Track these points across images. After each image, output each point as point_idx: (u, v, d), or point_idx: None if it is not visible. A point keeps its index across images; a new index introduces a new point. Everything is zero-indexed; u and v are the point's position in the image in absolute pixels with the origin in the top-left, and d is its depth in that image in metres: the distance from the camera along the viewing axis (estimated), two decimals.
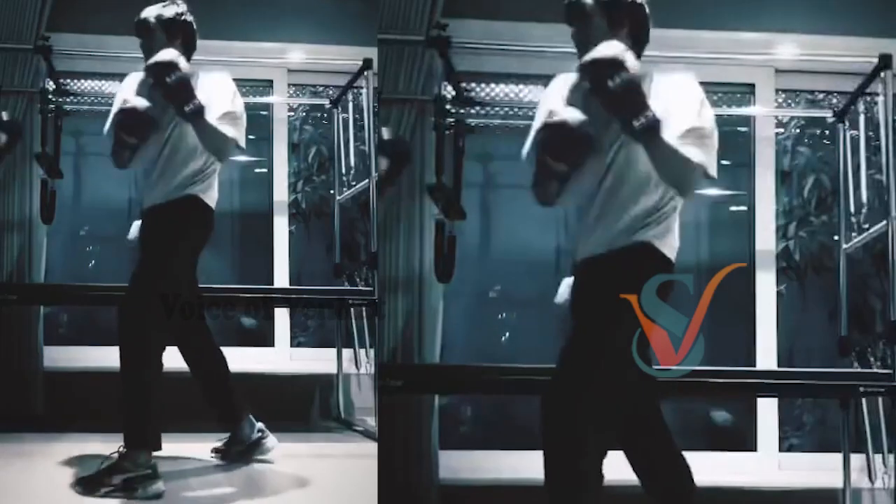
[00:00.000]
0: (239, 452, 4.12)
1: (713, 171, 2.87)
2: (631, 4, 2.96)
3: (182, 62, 3.71)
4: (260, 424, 4.16)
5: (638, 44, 2.97)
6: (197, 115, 3.67)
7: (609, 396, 2.85)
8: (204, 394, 4.12)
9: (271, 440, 4.16)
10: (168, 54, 3.68)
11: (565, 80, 3.04)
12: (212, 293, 4.62)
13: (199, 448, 4.17)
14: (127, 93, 3.81)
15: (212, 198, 3.88)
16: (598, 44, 2.83)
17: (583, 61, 2.77)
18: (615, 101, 2.71)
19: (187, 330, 4.07)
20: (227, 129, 3.77)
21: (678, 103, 2.84)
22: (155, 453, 3.64)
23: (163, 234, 3.79)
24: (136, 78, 3.87)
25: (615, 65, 2.69)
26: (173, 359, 4.13)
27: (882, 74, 3.97)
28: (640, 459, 3.09)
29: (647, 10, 3.00)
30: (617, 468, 3.12)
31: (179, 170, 3.79)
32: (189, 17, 3.86)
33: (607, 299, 2.88)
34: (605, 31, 2.92)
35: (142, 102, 3.72)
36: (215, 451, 4.14)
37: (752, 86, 4.50)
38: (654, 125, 2.72)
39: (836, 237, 4.44)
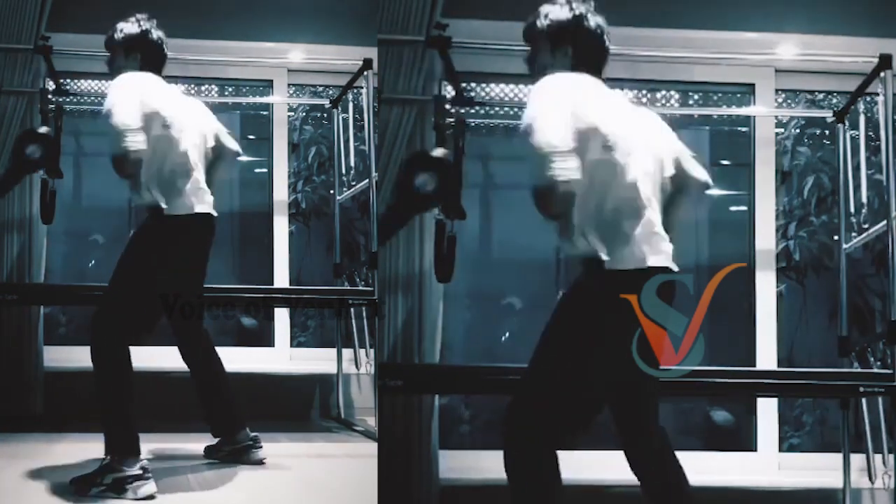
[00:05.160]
0: (229, 452, 4.12)
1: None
2: (575, 29, 2.99)
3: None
4: (254, 434, 4.15)
5: (586, 64, 2.99)
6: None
7: (569, 403, 2.88)
8: (201, 402, 4.12)
9: (261, 452, 4.14)
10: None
11: (579, 86, 2.98)
12: (212, 293, 4.62)
13: (197, 448, 4.18)
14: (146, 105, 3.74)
15: (202, 208, 3.84)
16: (539, 65, 3.02)
17: None
18: None
19: (187, 335, 4.08)
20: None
21: None
22: (153, 453, 3.64)
23: (137, 249, 3.79)
24: (153, 81, 3.83)
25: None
26: (172, 359, 4.14)
27: (882, 74, 3.97)
28: (638, 460, 3.09)
29: (598, 31, 3.01)
30: (617, 468, 3.12)
31: (165, 182, 3.76)
32: (148, 32, 3.82)
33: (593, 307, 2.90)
34: (548, 52, 3.02)
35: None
36: (207, 449, 4.15)
37: (752, 86, 4.50)
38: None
39: (836, 237, 4.44)
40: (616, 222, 2.87)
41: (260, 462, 4.12)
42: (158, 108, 3.72)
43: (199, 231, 3.88)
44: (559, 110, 2.81)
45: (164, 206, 3.75)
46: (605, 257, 2.86)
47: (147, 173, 3.73)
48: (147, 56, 3.83)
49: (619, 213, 2.87)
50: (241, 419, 4.14)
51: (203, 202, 3.85)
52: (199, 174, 3.86)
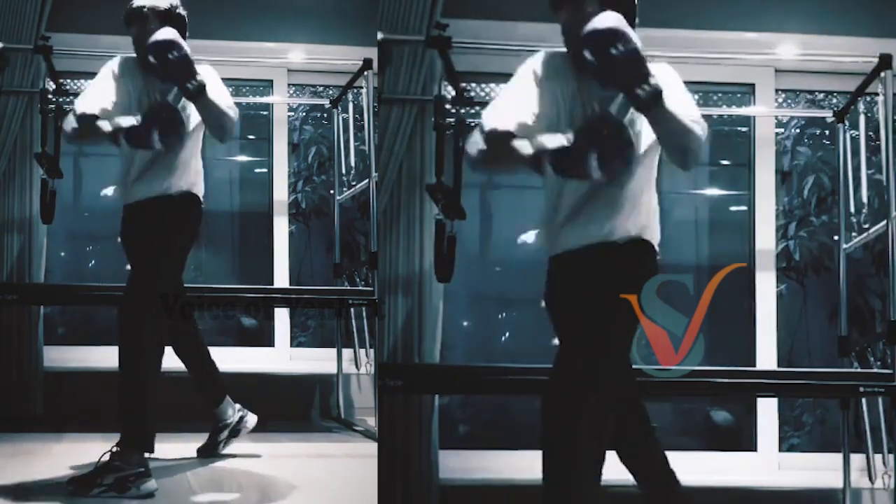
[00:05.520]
0: (228, 436, 4.14)
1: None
2: None
3: (181, 40, 3.56)
4: (237, 405, 4.18)
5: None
6: (200, 92, 3.54)
7: (609, 397, 2.85)
8: (190, 375, 4.15)
9: (251, 417, 4.20)
10: (167, 32, 3.55)
11: (545, 62, 2.98)
12: (212, 293, 4.63)
13: (195, 448, 4.18)
14: (107, 83, 3.74)
15: (200, 190, 3.83)
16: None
17: (584, 32, 2.65)
18: (618, 71, 2.63)
19: (177, 325, 4.09)
20: (228, 109, 3.69)
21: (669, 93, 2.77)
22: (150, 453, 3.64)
23: (156, 232, 3.76)
24: (118, 61, 3.80)
25: (617, 35, 2.61)
26: (172, 359, 4.14)
27: (882, 74, 3.97)
28: (631, 457, 3.09)
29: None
30: (618, 468, 3.12)
31: (165, 163, 3.73)
32: (182, 11, 3.77)
33: (602, 296, 2.85)
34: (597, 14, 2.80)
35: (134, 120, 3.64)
36: (201, 450, 4.16)
37: (752, 86, 4.50)
38: (658, 93, 2.63)
39: (836, 237, 4.44)
40: None
41: (255, 423, 4.19)
42: None
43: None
44: None
45: (194, 191, 3.79)
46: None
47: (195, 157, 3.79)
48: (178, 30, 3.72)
49: None
50: (223, 389, 4.18)
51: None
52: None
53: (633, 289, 2.84)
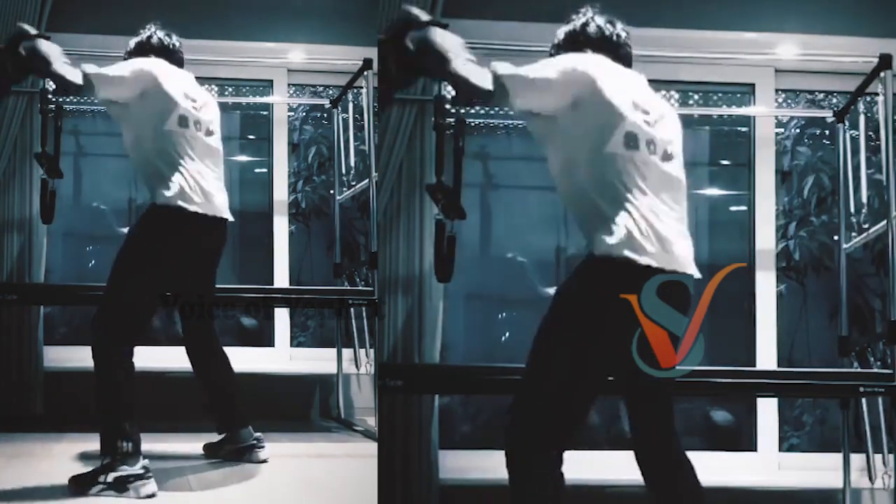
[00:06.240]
0: (230, 451, 4.13)
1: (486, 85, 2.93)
2: (583, 33, 3.04)
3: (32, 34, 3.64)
4: (258, 434, 4.16)
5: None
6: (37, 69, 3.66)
7: (568, 402, 2.88)
8: (209, 399, 4.13)
9: (264, 452, 4.16)
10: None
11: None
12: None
13: (197, 447, 4.18)
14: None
15: (193, 203, 3.76)
16: None
17: None
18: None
19: (196, 335, 4.08)
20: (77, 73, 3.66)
21: None
22: (153, 453, 3.64)
23: (131, 243, 3.79)
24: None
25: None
26: (172, 359, 4.14)
27: (882, 74, 3.97)
28: (645, 462, 3.09)
29: (607, 29, 3.04)
30: (617, 468, 3.12)
31: (150, 171, 3.77)
32: (157, 37, 3.85)
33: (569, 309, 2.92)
34: None
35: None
36: (207, 447, 4.16)
37: (752, 86, 4.50)
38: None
39: (836, 237, 4.44)
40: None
41: (262, 462, 4.14)
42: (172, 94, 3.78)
43: (197, 230, 3.86)
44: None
45: (180, 203, 3.75)
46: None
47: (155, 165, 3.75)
48: (166, 59, 3.85)
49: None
50: (244, 417, 4.15)
51: (207, 202, 3.83)
52: (203, 170, 3.84)
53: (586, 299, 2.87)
